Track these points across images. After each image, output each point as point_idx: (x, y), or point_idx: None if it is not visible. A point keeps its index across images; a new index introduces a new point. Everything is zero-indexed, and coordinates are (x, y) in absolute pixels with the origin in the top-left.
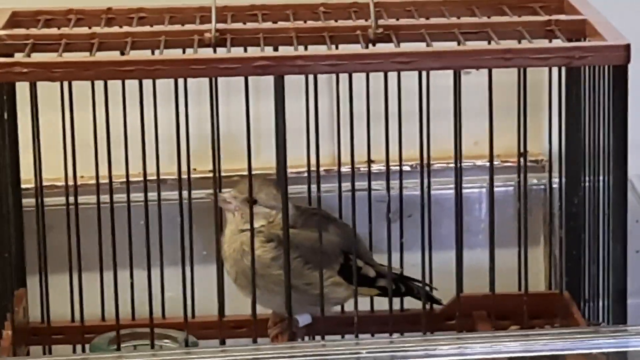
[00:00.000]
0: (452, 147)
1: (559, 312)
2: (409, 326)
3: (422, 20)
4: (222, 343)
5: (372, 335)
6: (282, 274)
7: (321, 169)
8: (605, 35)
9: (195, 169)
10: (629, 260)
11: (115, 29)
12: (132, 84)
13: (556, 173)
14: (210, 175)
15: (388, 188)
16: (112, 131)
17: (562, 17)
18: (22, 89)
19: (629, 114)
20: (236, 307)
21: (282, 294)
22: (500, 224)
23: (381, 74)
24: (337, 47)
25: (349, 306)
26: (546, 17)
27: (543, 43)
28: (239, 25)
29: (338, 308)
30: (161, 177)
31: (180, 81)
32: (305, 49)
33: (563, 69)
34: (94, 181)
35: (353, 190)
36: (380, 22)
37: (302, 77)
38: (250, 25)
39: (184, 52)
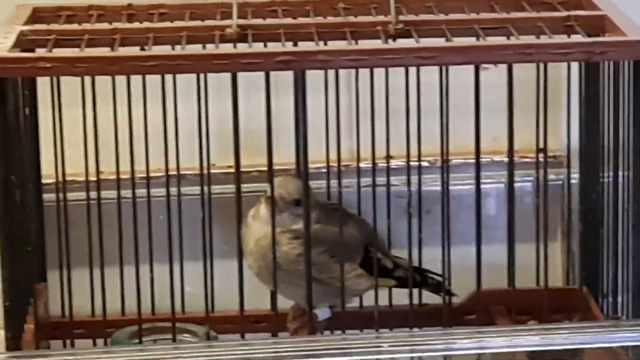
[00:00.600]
0: (470, 143)
1: (577, 307)
2: (428, 321)
3: (442, 16)
4: (242, 337)
5: (391, 330)
6: (312, 269)
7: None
8: (625, 30)
9: (214, 165)
10: None
11: (137, 25)
12: (152, 80)
13: (574, 168)
14: (230, 170)
15: (409, 183)
16: (133, 127)
17: (581, 12)
18: (42, 85)
19: None
20: (255, 301)
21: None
22: (518, 219)
23: (400, 70)
24: (357, 43)
25: (367, 300)
26: (565, 13)
27: (563, 39)
28: (259, 21)
29: (356, 302)
30: (181, 172)
31: (201, 77)
32: (325, 44)
33: (582, 64)
34: (114, 176)
35: (374, 185)
36: (400, 17)
37: (321, 73)
38: (270, 20)
39: (204, 47)
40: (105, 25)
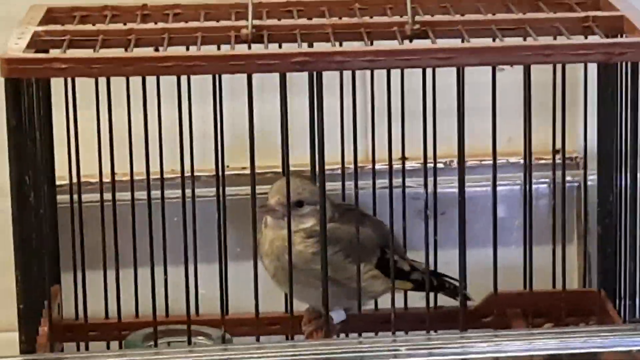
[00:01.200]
0: (486, 144)
1: (594, 310)
2: (443, 324)
3: (458, 17)
4: (257, 340)
5: (406, 333)
6: (328, 269)
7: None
8: None
9: (228, 166)
10: None
11: (151, 25)
12: (166, 81)
13: (591, 170)
14: (244, 172)
15: (426, 185)
16: (149, 127)
17: (599, 13)
18: (56, 86)
19: None
20: (270, 304)
21: (321, 287)
22: (534, 221)
23: (415, 71)
24: (372, 44)
25: (382, 303)
26: (583, 13)
27: (581, 39)
28: (274, 22)
29: (372, 304)
30: (195, 174)
31: (215, 78)
32: (341, 45)
33: (599, 66)
34: (128, 178)
35: (391, 187)
36: (417, 18)
37: (336, 73)
38: (286, 21)
39: (219, 48)
40: (119, 26)
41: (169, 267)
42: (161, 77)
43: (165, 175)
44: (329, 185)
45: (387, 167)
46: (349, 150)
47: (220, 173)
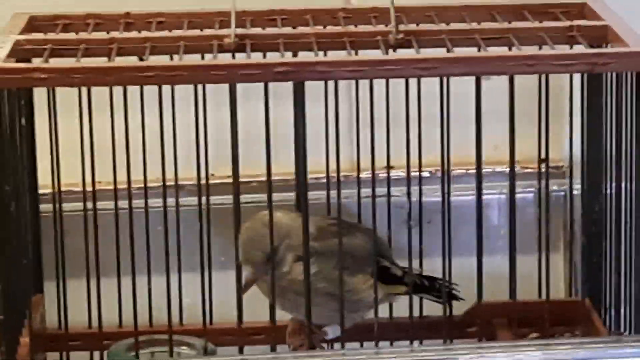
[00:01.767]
0: (472, 153)
1: (579, 319)
2: (428, 333)
3: (443, 26)
4: (241, 350)
5: (391, 343)
6: (325, 285)
7: (340, 174)
8: (628, 41)
9: (213, 175)
10: None
11: (134, 34)
12: (150, 89)
13: (577, 179)
14: (228, 180)
15: (409, 194)
16: (131, 136)
17: (584, 22)
18: (39, 95)
19: None
20: (254, 313)
21: (322, 304)
22: (520, 230)
23: (399, 80)
24: (357, 53)
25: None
26: (568, 23)
27: (565, 49)
28: (258, 31)
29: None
30: (179, 182)
31: (199, 86)
32: (325, 54)
33: (584, 75)
34: (111, 187)
35: (374, 196)
36: (401, 27)
37: (321, 82)
38: (269, 30)
39: (202, 57)
40: (102, 35)
41: (153, 276)
42: (145, 86)
43: (149, 184)
44: (314, 195)
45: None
46: (335, 159)
47: (202, 182)
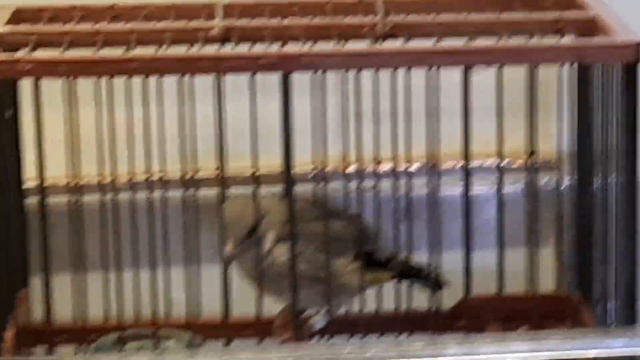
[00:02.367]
0: (460, 147)
1: (568, 313)
2: (416, 327)
3: (431, 17)
4: (228, 344)
5: (379, 336)
6: (307, 267)
7: (328, 168)
8: (617, 32)
9: (200, 168)
10: (639, 261)
11: (120, 26)
12: (138, 82)
13: (566, 173)
14: (215, 174)
15: (395, 187)
16: (117, 129)
17: (573, 14)
18: (24, 87)
19: (639, 113)
20: (242, 307)
21: (304, 287)
22: (509, 224)
23: (388, 73)
24: (344, 45)
25: (355, 306)
26: (556, 14)
27: (553, 40)
28: (245, 22)
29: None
30: (167, 176)
31: (186, 79)
32: (313, 45)
33: (574, 67)
34: (97, 180)
35: (360, 189)
36: (389, 19)
37: (310, 74)
38: (256, 21)
39: (189, 48)
40: (87, 27)
41: (140, 270)
42: (132, 79)
43: (136, 178)
44: (301, 188)
45: (362, 169)
46: (326, 152)
47: (189, 175)
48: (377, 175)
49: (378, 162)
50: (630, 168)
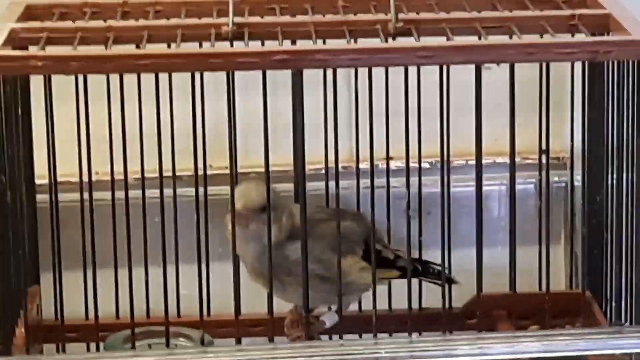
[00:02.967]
0: (472, 144)
1: (580, 311)
2: (428, 325)
3: (443, 15)
4: (238, 342)
5: (391, 335)
6: (314, 267)
7: (339, 165)
8: (630, 29)
9: (211, 165)
10: None
11: (131, 23)
12: (148, 79)
13: (578, 170)
14: (226, 171)
15: (408, 185)
16: (128, 126)
17: (585, 11)
18: (36, 84)
19: None
20: (253, 305)
21: (312, 287)
22: (521, 222)
23: (400, 69)
24: (356, 41)
25: (366, 304)
26: (569, 11)
27: (566, 37)
28: (256, 19)
29: (355, 305)
30: (177, 173)
31: (198, 76)
32: (324, 43)
33: (586, 64)
34: (108, 177)
35: (372, 187)
36: (401, 16)
37: (320, 71)
38: (268, 19)
39: (200, 45)
40: (99, 23)
41: (150, 268)
42: (144, 75)
43: (146, 175)
44: (312, 186)
45: (373, 166)
46: (334, 149)
47: (199, 173)
48: (387, 173)
49: (389, 159)
50: None
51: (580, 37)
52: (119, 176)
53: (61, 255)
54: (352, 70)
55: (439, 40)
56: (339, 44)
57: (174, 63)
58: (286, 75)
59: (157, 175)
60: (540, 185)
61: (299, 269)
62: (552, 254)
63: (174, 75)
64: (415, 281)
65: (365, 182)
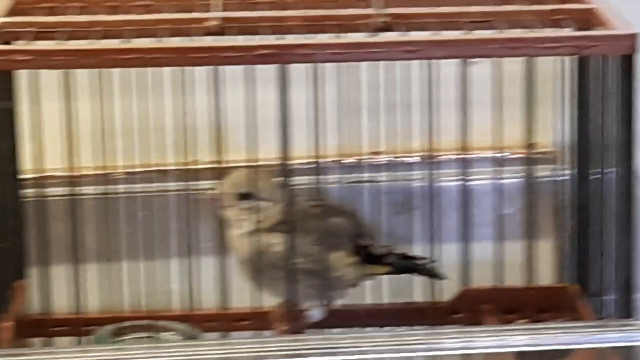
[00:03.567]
0: (459, 139)
1: (567, 305)
2: (415, 319)
3: (428, 9)
4: (225, 336)
5: (378, 328)
6: (303, 260)
7: (326, 160)
8: (614, 24)
9: (196, 160)
10: (637, 254)
11: (118, 17)
12: (139, 73)
13: (565, 165)
14: (214, 165)
15: (393, 180)
16: (114, 121)
17: (571, 5)
18: (21, 78)
19: (637, 105)
20: (241, 299)
21: (301, 281)
22: (508, 216)
23: (388, 64)
24: (342, 36)
25: (354, 298)
26: (554, 6)
27: (551, 32)
28: (243, 14)
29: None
30: (165, 167)
31: (187, 70)
32: (311, 38)
33: (571, 59)
34: (97, 171)
35: (358, 181)
36: (386, 11)
37: (308, 66)
38: (254, 13)
39: (190, 39)
40: (86, 18)
41: (139, 262)
42: (133, 70)
43: (136, 169)
44: (300, 180)
45: (359, 161)
46: (324, 144)
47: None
48: (374, 167)
49: (375, 154)
50: (628, 160)
51: (565, 31)
52: (106, 170)
53: (49, 249)
54: (340, 65)
55: (424, 35)
56: (323, 38)
57: (159, 57)
58: (273, 69)
59: (146, 169)
60: (527, 180)
61: (284, 262)
62: (540, 249)
63: (164, 69)
64: (402, 275)
65: (355, 176)
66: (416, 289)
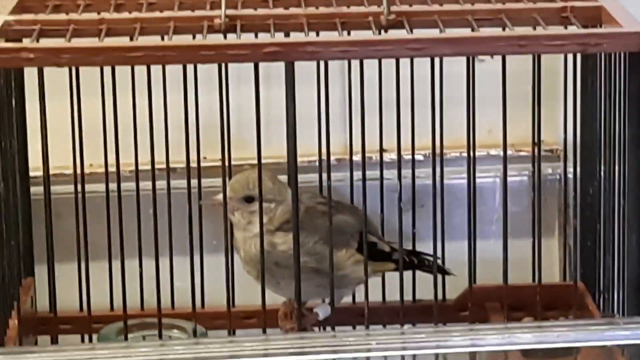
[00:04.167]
0: (465, 136)
1: (573, 303)
2: (421, 317)
3: (435, 7)
4: (232, 333)
5: (384, 326)
6: (307, 259)
7: (333, 157)
8: (621, 21)
9: (205, 158)
10: None
11: (124, 15)
12: (142, 71)
13: (571, 162)
14: (220, 163)
15: (399, 177)
16: (122, 119)
17: (578, 3)
18: (30, 76)
19: None
20: (246, 297)
21: (305, 280)
22: (515, 214)
23: (393, 61)
24: (349, 34)
25: (360, 296)
26: (561, 4)
27: (558, 30)
28: (249, 11)
29: (349, 297)
30: (171, 165)
31: (191, 68)
32: (317, 35)
33: (578, 57)
34: (102, 169)
35: (364, 179)
36: (393, 8)
37: (314, 64)
38: (260, 11)
39: (193, 38)
40: (92, 16)
41: (144, 260)
42: (137, 68)
43: (140, 167)
44: (306, 178)
45: (366, 158)
46: (331, 141)
47: (192, 165)
48: (381, 165)
49: (382, 151)
50: (635, 157)
51: (572, 29)
52: (113, 168)
53: (55, 247)
54: (346, 62)
55: (431, 33)
56: (330, 36)
57: (165, 55)
58: (279, 66)
59: (150, 167)
60: (533, 178)
61: (289, 261)
62: (546, 246)
63: (167, 67)
64: (408, 273)
65: (358, 174)
66: (423, 286)
